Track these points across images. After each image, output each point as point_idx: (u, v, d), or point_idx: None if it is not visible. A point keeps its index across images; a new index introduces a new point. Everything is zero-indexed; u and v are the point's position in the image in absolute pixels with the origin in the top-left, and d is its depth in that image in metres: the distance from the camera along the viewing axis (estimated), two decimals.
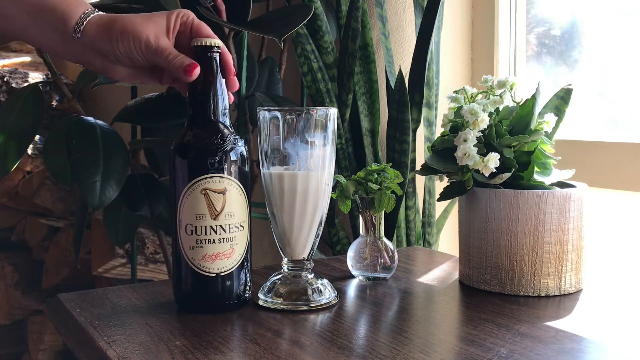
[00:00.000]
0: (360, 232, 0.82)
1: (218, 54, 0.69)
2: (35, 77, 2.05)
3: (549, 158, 0.77)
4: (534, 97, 0.76)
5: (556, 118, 0.78)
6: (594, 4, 1.13)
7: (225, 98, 0.69)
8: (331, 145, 0.72)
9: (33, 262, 2.01)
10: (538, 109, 0.76)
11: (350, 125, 1.21)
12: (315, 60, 1.14)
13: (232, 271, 0.69)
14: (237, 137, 0.69)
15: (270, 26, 1.04)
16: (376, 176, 0.80)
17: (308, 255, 0.73)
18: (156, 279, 1.67)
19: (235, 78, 0.72)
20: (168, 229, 1.32)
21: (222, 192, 0.67)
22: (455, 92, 0.82)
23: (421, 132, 1.20)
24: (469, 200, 0.78)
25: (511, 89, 0.79)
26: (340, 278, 0.83)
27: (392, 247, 0.82)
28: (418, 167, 0.97)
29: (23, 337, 1.98)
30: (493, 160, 0.73)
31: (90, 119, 1.18)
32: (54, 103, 2.03)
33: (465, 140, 0.74)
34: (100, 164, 1.12)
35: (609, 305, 0.72)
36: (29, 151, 1.91)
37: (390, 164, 0.83)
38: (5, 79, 2.01)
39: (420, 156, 1.25)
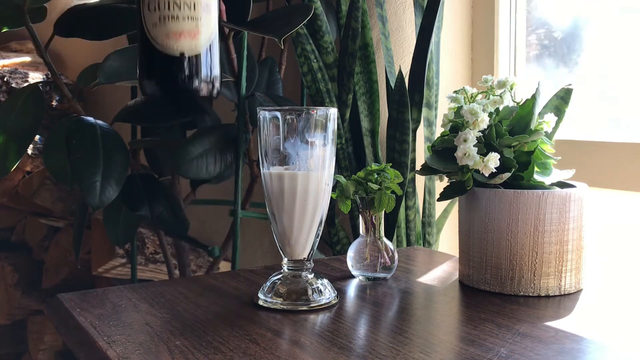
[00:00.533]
0: (360, 232, 0.82)
1: None
2: (35, 77, 2.05)
3: (549, 158, 0.77)
4: (534, 97, 0.76)
5: (556, 118, 0.78)
6: (595, 5, 1.13)
7: None
8: (331, 145, 0.72)
9: (33, 262, 2.01)
10: (538, 109, 0.76)
11: (350, 125, 1.21)
12: (315, 60, 1.14)
13: (198, 54, 0.65)
14: None
15: (270, 26, 1.04)
16: (376, 176, 0.80)
17: (308, 255, 0.73)
18: (156, 279, 1.67)
19: None
20: (168, 229, 1.32)
21: None
22: (455, 92, 0.82)
23: (421, 132, 1.20)
24: (469, 200, 0.78)
25: (511, 89, 0.79)
26: (340, 278, 0.83)
27: (392, 247, 0.82)
28: (418, 167, 0.97)
29: (23, 337, 1.98)
30: (493, 160, 0.73)
31: (90, 119, 1.18)
32: (54, 103, 2.03)
33: (465, 140, 0.74)
34: (100, 164, 1.11)
35: (609, 305, 0.72)
36: (29, 151, 1.91)
37: (390, 164, 0.83)
38: (5, 79, 2.01)
39: (420, 156, 1.25)
